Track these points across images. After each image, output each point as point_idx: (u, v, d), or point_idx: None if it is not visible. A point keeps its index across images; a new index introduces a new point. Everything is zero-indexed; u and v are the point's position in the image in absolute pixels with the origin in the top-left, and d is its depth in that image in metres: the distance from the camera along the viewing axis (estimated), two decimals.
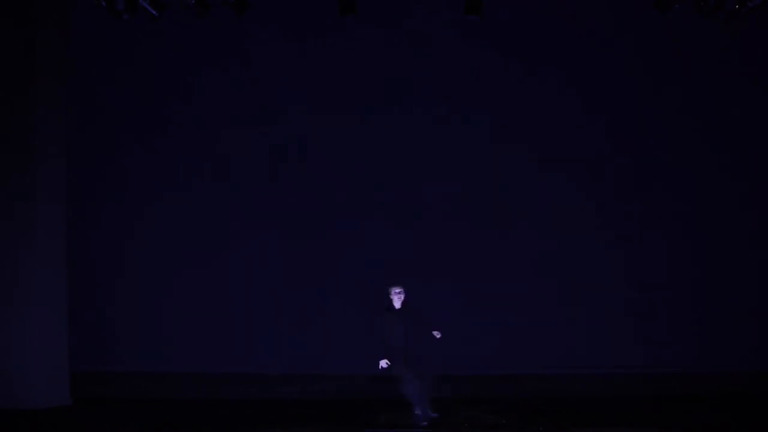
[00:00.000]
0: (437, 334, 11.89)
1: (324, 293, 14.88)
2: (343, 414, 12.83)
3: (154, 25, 13.66)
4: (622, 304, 14.81)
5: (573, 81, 14.88)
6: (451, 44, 14.85)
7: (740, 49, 14.70)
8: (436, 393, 11.76)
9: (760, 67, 14.78)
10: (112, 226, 14.92)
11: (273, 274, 14.93)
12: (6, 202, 13.48)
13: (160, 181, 14.92)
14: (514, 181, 14.99)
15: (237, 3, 13.25)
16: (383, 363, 11.76)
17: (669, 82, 14.90)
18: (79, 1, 13.85)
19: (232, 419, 12.71)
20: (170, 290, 14.83)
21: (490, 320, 14.73)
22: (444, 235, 14.94)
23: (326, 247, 14.98)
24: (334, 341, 14.69)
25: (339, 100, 14.94)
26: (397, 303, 11.98)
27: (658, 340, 14.73)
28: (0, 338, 13.35)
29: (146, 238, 14.93)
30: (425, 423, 11.76)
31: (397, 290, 11.99)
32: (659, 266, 14.91)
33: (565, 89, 14.89)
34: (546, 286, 14.81)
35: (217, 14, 13.56)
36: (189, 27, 14.22)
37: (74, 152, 14.21)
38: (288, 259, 14.98)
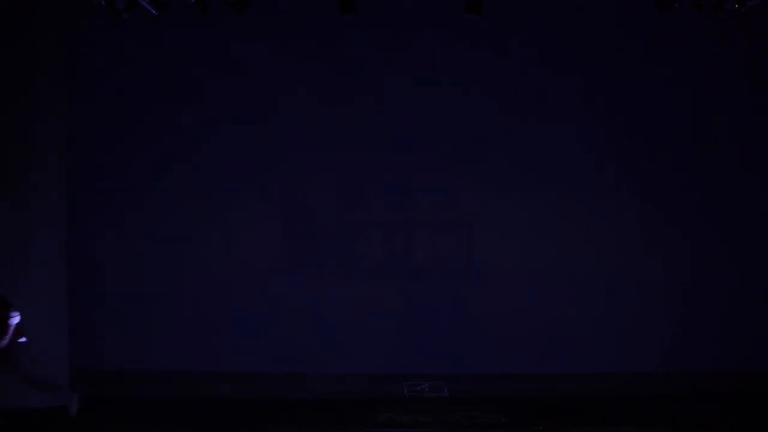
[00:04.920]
0: None
1: (324, 292, 14.87)
2: (343, 414, 12.82)
3: (154, 25, 13.65)
4: (622, 304, 14.79)
5: (573, 81, 14.86)
6: (451, 44, 14.84)
7: (740, 49, 14.69)
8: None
9: (760, 67, 14.77)
10: (112, 226, 14.90)
11: (272, 272, 14.92)
12: (5, 201, 13.47)
13: (160, 180, 14.90)
14: (513, 182, 15.02)
15: (237, 3, 13.24)
16: None
17: (669, 82, 14.89)
18: (79, 1, 13.85)
19: (232, 419, 12.70)
20: (170, 289, 14.82)
21: (489, 320, 14.73)
22: (443, 237, 14.94)
23: (326, 246, 14.98)
24: (334, 340, 14.68)
25: (338, 100, 14.93)
26: None
27: (658, 340, 14.72)
28: None
29: (146, 238, 14.91)
30: None
31: None
32: (659, 266, 14.89)
33: (565, 89, 14.88)
34: (546, 287, 14.80)
35: (217, 14, 13.56)
36: (189, 27, 14.23)
37: (74, 151, 14.21)
38: (287, 257, 14.98)
